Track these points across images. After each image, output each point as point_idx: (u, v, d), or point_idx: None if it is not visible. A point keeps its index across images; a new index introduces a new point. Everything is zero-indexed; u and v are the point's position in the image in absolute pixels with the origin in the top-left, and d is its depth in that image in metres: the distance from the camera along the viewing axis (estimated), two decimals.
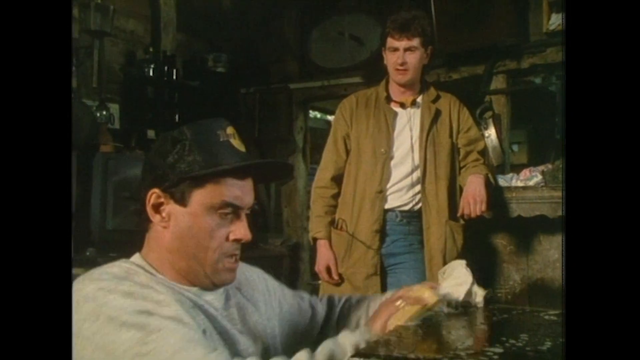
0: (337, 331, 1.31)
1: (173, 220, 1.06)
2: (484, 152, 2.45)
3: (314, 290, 3.98)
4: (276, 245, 4.21)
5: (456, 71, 3.53)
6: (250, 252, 4.15)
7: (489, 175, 2.34)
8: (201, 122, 1.09)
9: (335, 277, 2.36)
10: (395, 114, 2.40)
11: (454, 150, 2.40)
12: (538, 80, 3.66)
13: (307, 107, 4.53)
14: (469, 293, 1.24)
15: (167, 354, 0.89)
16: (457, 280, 1.25)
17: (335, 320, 1.37)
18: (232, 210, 1.06)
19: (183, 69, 4.27)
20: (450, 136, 2.40)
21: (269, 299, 1.24)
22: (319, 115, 5.97)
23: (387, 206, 2.31)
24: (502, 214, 2.27)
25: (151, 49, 4.03)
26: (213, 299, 1.10)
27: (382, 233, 2.31)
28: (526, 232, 2.41)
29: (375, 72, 3.83)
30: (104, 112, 3.35)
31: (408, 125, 2.38)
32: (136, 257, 1.10)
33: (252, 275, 1.25)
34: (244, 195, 1.07)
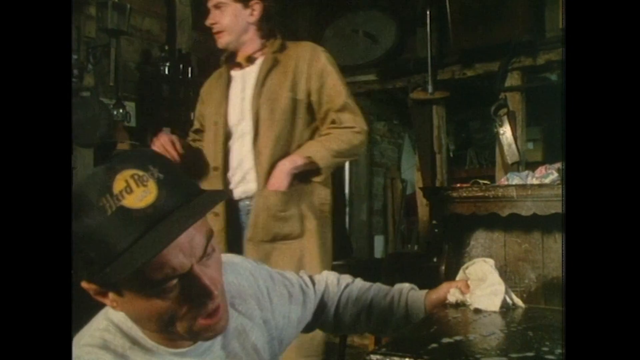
0: (334, 320, 1.30)
1: (121, 305, 0.86)
2: (346, 112, 1.97)
3: None
4: None
5: (471, 68, 3.51)
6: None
7: (320, 155, 1.94)
8: (84, 188, 0.80)
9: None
10: (230, 77, 2.09)
11: (296, 108, 1.97)
12: (554, 77, 3.63)
13: None
14: (504, 302, 1.19)
15: None
16: (491, 288, 1.19)
17: (333, 309, 1.30)
18: (179, 279, 0.83)
19: (198, 67, 4.30)
20: (292, 90, 1.97)
21: (261, 301, 1.12)
22: None
23: (236, 197, 1.97)
24: (517, 212, 2.26)
25: (167, 48, 4.06)
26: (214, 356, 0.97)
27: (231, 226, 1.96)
28: (542, 230, 2.39)
29: (390, 70, 3.85)
30: (121, 110, 3.38)
31: (241, 87, 2.05)
32: (121, 318, 0.91)
33: (241, 279, 1.11)
34: (181, 254, 0.81)
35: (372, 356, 0.86)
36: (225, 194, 0.97)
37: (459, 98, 3.96)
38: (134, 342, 0.90)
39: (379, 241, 5.55)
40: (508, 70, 3.37)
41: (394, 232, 5.48)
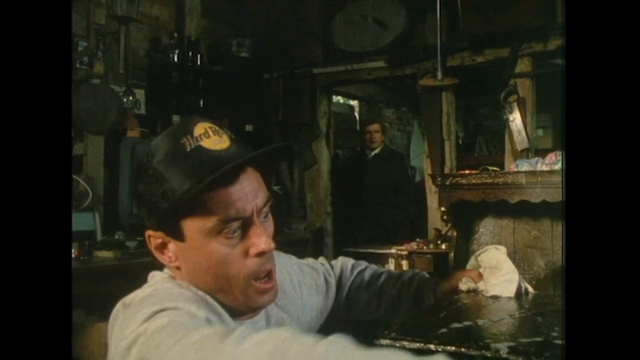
0: (345, 305, 1.31)
1: (182, 259, 0.91)
2: None
3: None
4: (300, 230, 4.23)
5: (481, 54, 3.49)
6: (274, 237, 4.19)
7: None
8: (165, 135, 0.91)
9: None
10: None
11: None
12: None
13: (331, 92, 4.53)
14: (519, 288, 1.22)
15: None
16: (506, 276, 1.21)
17: (345, 294, 1.31)
18: (239, 224, 0.89)
19: (207, 54, 4.30)
20: None
21: (296, 297, 1.15)
22: (342, 100, 5.96)
23: None
24: (526, 199, 2.25)
25: (175, 35, 4.06)
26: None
27: None
28: (551, 217, 2.38)
29: (399, 56, 3.83)
30: (131, 98, 3.39)
31: None
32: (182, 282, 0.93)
33: (279, 274, 1.09)
34: (245, 199, 0.89)
35: (382, 340, 0.87)
36: (292, 147, 1.02)
37: (468, 85, 3.94)
38: (213, 309, 0.90)
39: None
40: (518, 56, 3.34)
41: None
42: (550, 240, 2.44)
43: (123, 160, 3.18)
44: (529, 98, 3.33)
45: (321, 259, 1.35)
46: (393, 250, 2.77)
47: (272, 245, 0.92)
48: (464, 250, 2.60)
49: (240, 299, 0.92)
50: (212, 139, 0.89)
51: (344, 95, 5.72)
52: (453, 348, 0.83)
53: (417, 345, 0.85)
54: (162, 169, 0.87)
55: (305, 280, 1.21)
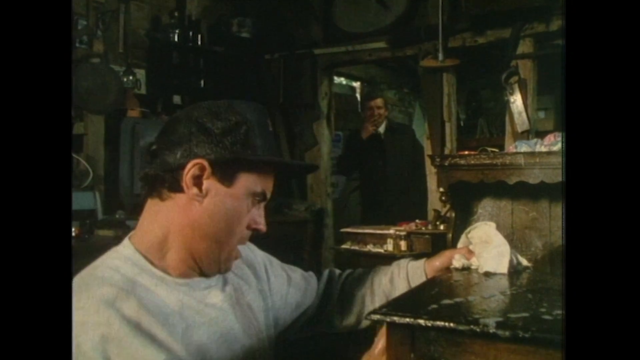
0: (339, 307, 1.34)
1: (210, 197, 1.00)
2: None
3: (337, 255, 4.03)
4: (300, 211, 4.25)
5: (482, 35, 3.46)
6: (274, 217, 4.18)
7: None
8: (252, 105, 1.06)
9: None
10: None
11: None
12: None
13: (332, 73, 4.51)
14: (512, 262, 1.21)
15: None
16: (497, 249, 1.21)
17: (337, 295, 1.35)
18: (260, 200, 1.06)
19: (208, 34, 4.28)
20: None
21: (257, 271, 1.22)
22: (344, 81, 5.93)
23: None
24: (525, 180, 2.25)
25: (176, 14, 4.04)
26: (212, 291, 1.07)
27: None
28: (550, 198, 2.39)
29: (400, 37, 3.80)
30: (131, 77, 3.39)
31: None
32: (130, 251, 1.02)
33: (250, 256, 1.23)
34: (271, 188, 1.08)
35: (372, 315, 0.88)
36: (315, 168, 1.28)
37: (470, 66, 3.92)
38: (143, 269, 1.00)
39: None
40: (520, 37, 3.31)
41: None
42: (548, 221, 2.45)
43: (123, 140, 3.19)
44: (530, 79, 3.31)
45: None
46: (391, 231, 2.78)
47: (265, 229, 1.08)
48: (462, 230, 2.61)
49: (222, 257, 1.05)
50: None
51: (345, 76, 5.70)
52: (442, 323, 0.84)
53: (407, 320, 0.86)
54: (259, 132, 1.03)
55: (274, 268, 1.27)
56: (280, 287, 1.26)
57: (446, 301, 0.95)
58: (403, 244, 2.72)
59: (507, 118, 3.39)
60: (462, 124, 5.44)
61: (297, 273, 1.33)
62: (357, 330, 1.36)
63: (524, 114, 3.24)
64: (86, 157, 3.09)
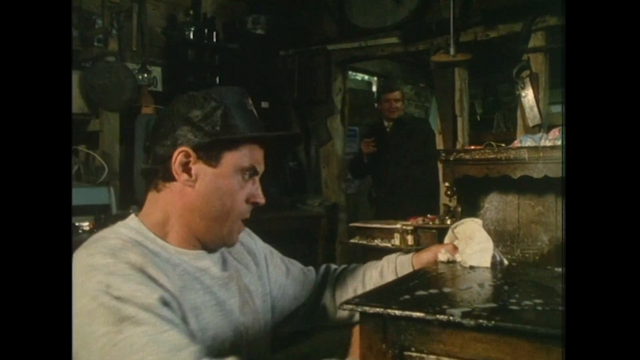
0: (333, 299, 1.38)
1: (200, 180, 1.07)
2: None
3: (350, 249, 4.06)
4: (314, 206, 4.28)
5: (494, 29, 3.44)
6: (289, 212, 4.21)
7: None
8: (229, 89, 1.13)
9: None
10: None
11: None
12: None
13: (346, 69, 4.52)
14: (494, 258, 1.24)
15: (136, 345, 0.88)
16: (480, 245, 1.24)
17: (332, 287, 1.39)
18: (250, 174, 1.11)
19: (223, 31, 4.33)
20: None
21: (257, 259, 1.28)
22: (359, 76, 5.94)
23: None
24: (529, 174, 2.25)
25: (191, 12, 4.10)
26: (211, 265, 1.13)
27: None
28: (555, 192, 2.38)
29: (412, 32, 3.80)
30: (145, 75, 3.45)
31: None
32: (136, 223, 1.09)
33: (252, 244, 1.30)
34: (261, 162, 1.14)
35: (345, 305, 0.91)
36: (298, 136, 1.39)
37: (486, 60, 3.90)
38: (147, 237, 1.07)
39: None
40: (532, 31, 3.29)
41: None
42: (554, 216, 2.44)
43: (138, 136, 3.26)
44: (542, 73, 3.29)
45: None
46: (398, 226, 2.80)
47: (264, 200, 1.14)
48: None
49: (224, 232, 1.11)
50: (254, 110, 1.15)
51: (361, 71, 5.71)
52: (410, 313, 0.87)
53: (377, 310, 0.89)
54: (235, 112, 1.08)
55: (274, 259, 1.34)
56: (279, 278, 1.31)
57: (420, 292, 0.98)
58: (410, 239, 2.74)
59: (518, 112, 3.37)
60: (479, 118, 5.41)
61: (296, 266, 1.38)
62: (351, 323, 1.39)
63: (535, 109, 3.22)
64: (102, 153, 3.17)
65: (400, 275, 1.31)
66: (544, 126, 3.28)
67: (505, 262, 1.26)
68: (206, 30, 4.12)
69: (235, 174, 1.09)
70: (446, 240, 1.36)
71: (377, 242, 2.86)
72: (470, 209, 2.60)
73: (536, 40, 3.30)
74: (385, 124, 4.19)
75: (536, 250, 2.53)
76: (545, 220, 2.52)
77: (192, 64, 4.06)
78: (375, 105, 4.43)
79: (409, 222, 2.80)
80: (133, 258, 0.98)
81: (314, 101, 4.40)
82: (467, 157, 2.42)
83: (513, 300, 0.92)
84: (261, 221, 1.38)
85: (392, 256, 1.38)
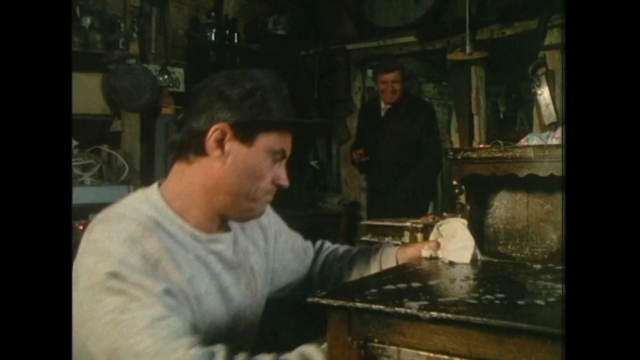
0: (319, 279, 1.43)
1: (232, 157, 1.10)
2: None
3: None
4: (334, 204, 4.32)
5: (510, 27, 3.43)
6: (309, 210, 4.25)
7: None
8: (266, 71, 1.16)
9: None
10: None
11: None
12: None
13: (365, 68, 4.55)
14: (474, 256, 1.29)
15: (137, 327, 0.93)
16: (461, 243, 1.29)
17: (320, 266, 1.44)
18: (280, 157, 1.15)
19: (244, 32, 4.41)
20: None
21: (267, 235, 1.32)
22: None
23: None
24: (535, 173, 2.25)
25: (213, 14, 4.19)
26: (224, 249, 1.17)
27: None
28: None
29: (429, 31, 3.81)
30: (166, 76, 3.55)
31: None
32: (157, 198, 1.11)
33: (265, 220, 1.33)
34: (290, 146, 1.17)
35: (310, 299, 0.96)
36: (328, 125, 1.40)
37: (503, 58, 3.88)
38: (166, 216, 1.09)
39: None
40: (548, 28, 3.27)
41: (443, 195, 5.48)
42: (562, 214, 2.42)
43: (158, 136, 3.35)
44: (558, 70, 3.26)
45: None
46: (408, 224, 2.82)
47: (288, 184, 1.18)
48: (477, 223, 2.63)
49: (249, 207, 1.15)
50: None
51: None
52: (369, 305, 0.91)
53: (340, 303, 0.93)
54: (273, 96, 1.11)
55: (283, 236, 1.38)
56: (283, 254, 1.37)
57: (388, 286, 1.01)
58: (419, 236, 2.75)
59: (534, 110, 3.35)
60: (502, 116, 5.37)
61: (298, 242, 1.43)
62: None
63: (551, 106, 3.20)
64: (123, 153, 3.27)
65: (383, 265, 1.35)
66: (560, 124, 3.25)
67: (480, 258, 1.30)
68: (227, 32, 4.21)
69: (266, 155, 1.12)
70: (431, 237, 1.39)
71: (388, 239, 2.88)
72: (480, 207, 2.61)
73: (552, 37, 3.28)
74: (382, 105, 3.75)
75: (545, 248, 2.52)
76: (554, 219, 2.51)
77: (214, 64, 4.14)
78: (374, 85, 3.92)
79: (419, 220, 2.82)
80: (149, 250, 1.01)
81: (334, 100, 4.44)
82: (474, 155, 2.43)
83: (475, 295, 0.95)
84: (282, 218, 1.42)
85: (380, 247, 1.42)
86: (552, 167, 2.23)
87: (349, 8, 4.34)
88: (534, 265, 1.25)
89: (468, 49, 3.45)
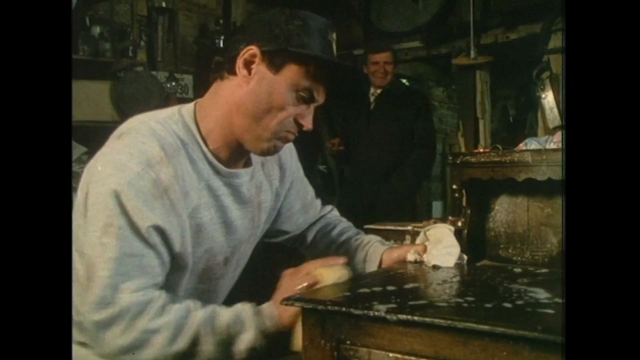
0: (309, 243, 1.50)
1: (256, 80, 1.12)
2: None
3: None
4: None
5: (514, 31, 3.44)
6: None
7: None
8: (317, 16, 1.16)
9: None
10: None
11: None
12: None
13: None
14: (460, 260, 1.33)
15: (110, 254, 1.02)
16: (447, 249, 1.32)
17: (314, 234, 1.50)
18: (307, 97, 1.14)
19: None
20: None
21: (285, 176, 1.37)
22: None
23: None
24: (533, 177, 2.26)
25: (221, 21, 4.24)
26: (239, 184, 1.21)
27: None
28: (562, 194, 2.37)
29: (434, 35, 3.82)
30: (173, 83, 3.61)
31: None
32: (190, 118, 1.16)
33: (287, 160, 1.38)
34: (322, 91, 1.16)
35: (284, 302, 0.99)
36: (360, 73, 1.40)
37: (511, 62, 3.88)
38: (192, 140, 1.14)
39: (437, 207, 5.58)
40: (552, 32, 3.26)
41: (451, 198, 5.47)
42: (562, 218, 2.42)
43: None
44: (562, 74, 3.25)
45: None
46: (409, 227, 2.84)
47: (311, 127, 1.16)
48: (478, 227, 2.64)
49: (265, 136, 1.14)
50: (335, 46, 1.18)
51: None
52: (340, 308, 0.93)
53: (310, 305, 0.95)
54: (313, 32, 1.11)
55: (298, 186, 1.43)
56: (293, 202, 1.43)
57: (363, 290, 1.04)
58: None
59: (539, 114, 3.35)
60: (511, 119, 5.36)
61: (309, 196, 1.49)
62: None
63: (555, 110, 3.20)
64: None
65: (368, 263, 1.39)
66: (564, 128, 3.25)
67: (465, 263, 1.31)
68: None
69: (290, 87, 1.12)
70: (418, 241, 1.42)
71: (391, 243, 2.90)
72: (481, 210, 2.62)
73: (556, 41, 3.27)
74: (372, 90, 3.43)
75: (545, 252, 2.52)
76: (555, 223, 2.51)
77: None
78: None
79: (421, 224, 2.84)
80: (162, 177, 1.07)
81: (342, 104, 4.45)
82: (473, 160, 2.44)
83: (444, 297, 0.97)
84: None
85: (372, 240, 1.45)
86: (550, 171, 2.24)
87: (356, 14, 4.36)
88: (515, 269, 1.27)
89: (473, 53, 3.46)
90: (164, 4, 3.34)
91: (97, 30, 3.37)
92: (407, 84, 4.14)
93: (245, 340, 1.08)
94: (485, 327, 0.82)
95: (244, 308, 1.11)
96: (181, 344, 1.05)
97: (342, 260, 1.18)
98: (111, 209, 1.03)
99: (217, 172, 1.17)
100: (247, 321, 1.09)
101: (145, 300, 1.04)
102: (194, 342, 1.06)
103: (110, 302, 1.02)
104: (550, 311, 0.88)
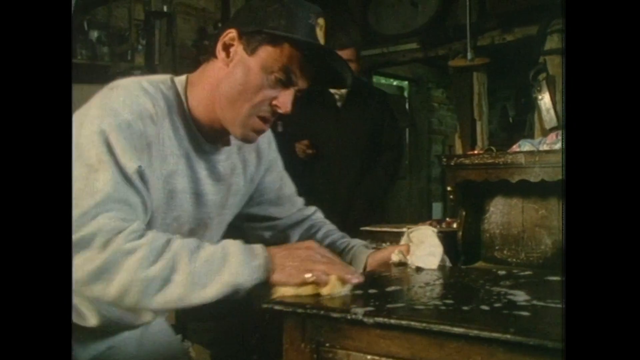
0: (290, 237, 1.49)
1: (234, 63, 1.13)
2: None
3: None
4: None
5: (510, 33, 3.44)
6: None
7: None
8: (306, 4, 1.15)
9: None
10: None
11: None
12: None
13: (370, 75, 4.58)
14: (442, 262, 1.32)
15: (96, 188, 0.99)
16: (430, 249, 1.32)
17: (299, 236, 1.49)
18: (285, 79, 1.13)
19: None
20: None
21: (261, 162, 1.38)
22: (383, 80, 5.96)
23: None
24: (526, 178, 2.27)
25: (219, 25, 4.26)
26: (215, 160, 1.24)
27: None
28: (558, 195, 2.39)
29: (431, 37, 3.83)
30: None
31: None
32: (181, 86, 1.18)
33: (267, 149, 1.39)
34: (301, 76, 1.14)
35: (264, 305, 1.00)
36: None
37: (508, 63, 3.88)
38: (178, 108, 1.16)
39: (437, 208, 5.58)
40: (548, 33, 3.27)
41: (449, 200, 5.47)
42: (557, 219, 2.43)
43: None
44: (559, 75, 3.25)
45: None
46: (404, 229, 2.84)
47: (289, 109, 1.15)
48: (473, 229, 2.64)
49: (236, 122, 1.16)
50: (321, 32, 1.14)
51: (391, 76, 5.74)
52: (319, 311, 0.94)
53: (290, 309, 0.96)
54: (288, 13, 1.10)
55: (274, 173, 1.44)
56: (267, 191, 1.44)
57: (344, 292, 1.04)
58: None
59: (535, 115, 3.35)
60: (511, 120, 5.36)
61: (286, 190, 1.48)
62: None
63: (552, 111, 3.20)
64: None
65: (353, 262, 1.39)
66: (561, 128, 3.25)
67: (448, 264, 1.32)
68: None
69: (265, 69, 1.12)
70: (402, 242, 1.42)
71: (387, 245, 2.90)
72: (476, 212, 2.63)
73: (552, 42, 3.28)
74: (334, 91, 3.00)
75: (540, 253, 2.52)
76: (549, 224, 2.51)
77: None
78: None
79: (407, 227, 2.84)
80: (149, 132, 1.09)
81: (305, 103, 4.46)
82: (467, 162, 2.46)
83: (423, 300, 0.98)
84: None
85: (357, 243, 1.45)
86: (544, 172, 2.26)
87: (354, 16, 4.37)
88: (499, 272, 1.27)
89: (469, 55, 3.46)
90: (165, 9, 3.34)
91: (95, 34, 3.39)
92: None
93: (227, 273, 0.98)
94: (460, 330, 0.82)
95: (232, 242, 1.05)
96: (158, 267, 0.95)
97: (357, 280, 1.05)
98: (98, 147, 1.03)
99: (197, 143, 1.20)
100: (232, 254, 1.01)
101: (123, 226, 0.98)
102: (172, 268, 0.96)
103: (86, 224, 0.95)
104: (526, 313, 0.89)
